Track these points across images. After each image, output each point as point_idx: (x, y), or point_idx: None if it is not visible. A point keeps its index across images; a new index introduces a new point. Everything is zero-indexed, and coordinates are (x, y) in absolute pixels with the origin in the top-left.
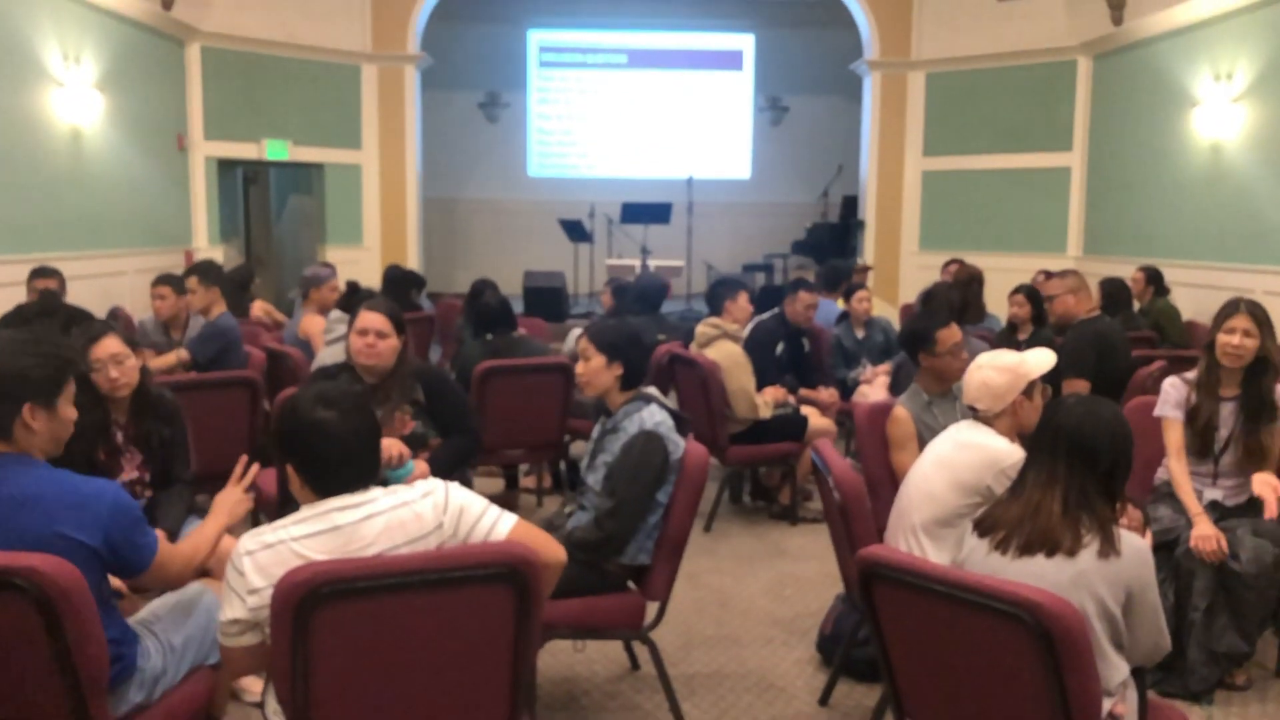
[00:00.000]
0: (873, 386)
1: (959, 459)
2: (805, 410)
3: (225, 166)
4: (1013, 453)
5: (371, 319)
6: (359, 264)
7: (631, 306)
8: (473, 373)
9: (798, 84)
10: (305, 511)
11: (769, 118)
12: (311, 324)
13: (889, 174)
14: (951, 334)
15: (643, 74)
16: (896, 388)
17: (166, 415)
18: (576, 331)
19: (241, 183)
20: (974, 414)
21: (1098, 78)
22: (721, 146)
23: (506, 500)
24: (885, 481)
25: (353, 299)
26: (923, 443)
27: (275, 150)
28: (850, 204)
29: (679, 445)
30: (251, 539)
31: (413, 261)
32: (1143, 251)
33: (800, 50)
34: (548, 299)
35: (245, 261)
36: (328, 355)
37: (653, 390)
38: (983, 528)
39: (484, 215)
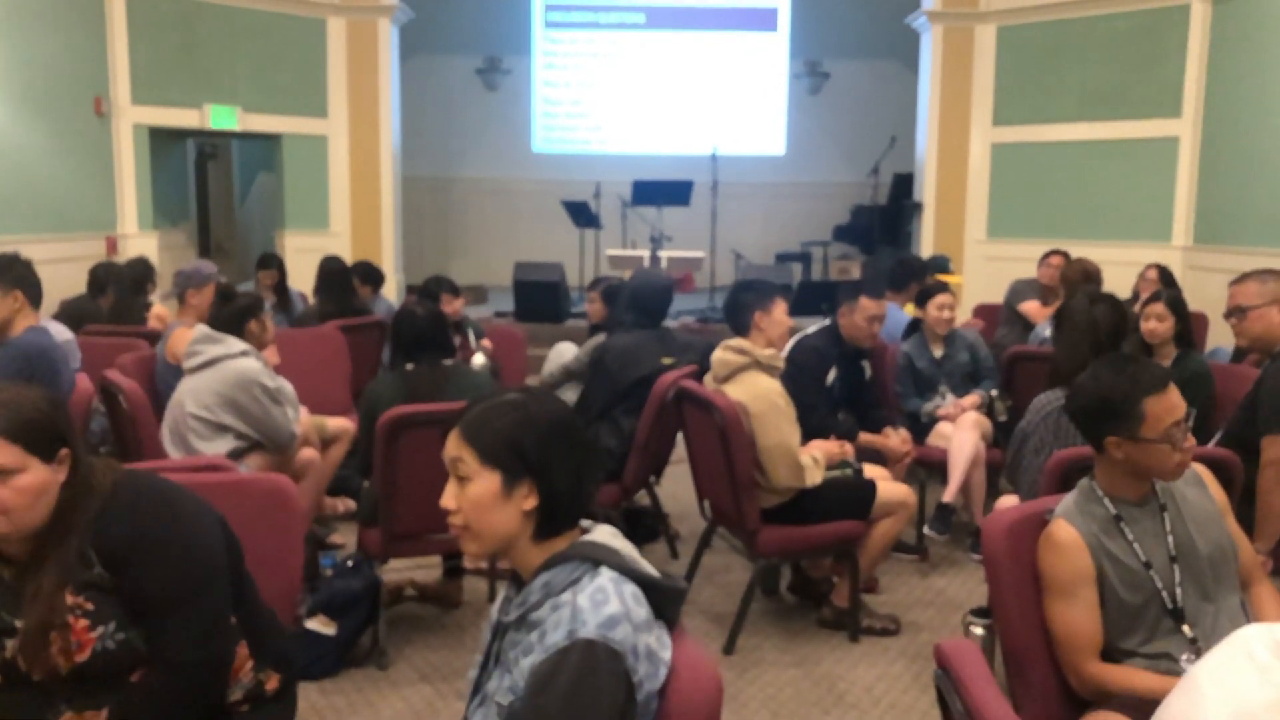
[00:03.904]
0: (958, 426)
1: None
2: (869, 471)
3: (168, 137)
4: None
5: None
6: (326, 252)
7: (622, 317)
8: (377, 423)
9: (841, 46)
10: None
11: (807, 85)
12: (183, 341)
13: (952, 147)
14: (1170, 405)
15: (663, 35)
16: (1028, 470)
17: None
18: (565, 346)
19: (195, 158)
20: None
21: (1217, 27)
22: (752, 118)
23: (445, 593)
24: (1037, 653)
25: (226, 312)
26: (1103, 585)
27: (221, 118)
28: (904, 183)
29: (660, 660)
30: None
31: (389, 249)
32: (1277, 240)
33: (843, 7)
34: (543, 295)
35: (142, 256)
36: (187, 390)
37: (602, 535)
38: None
39: (482, 197)
